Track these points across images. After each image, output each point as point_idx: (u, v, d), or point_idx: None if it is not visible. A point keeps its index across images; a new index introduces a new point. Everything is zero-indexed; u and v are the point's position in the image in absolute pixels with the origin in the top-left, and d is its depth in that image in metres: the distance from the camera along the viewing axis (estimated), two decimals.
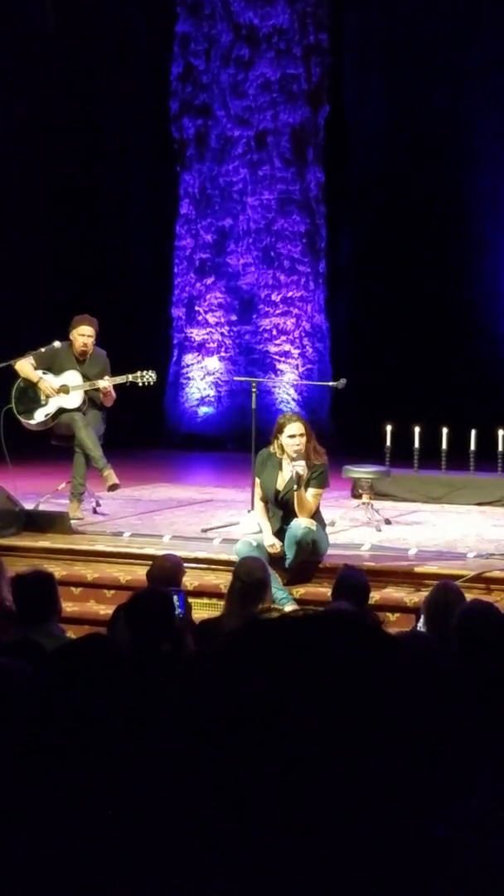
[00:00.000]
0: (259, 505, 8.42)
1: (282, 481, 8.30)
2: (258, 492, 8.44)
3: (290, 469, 8.19)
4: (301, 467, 8.06)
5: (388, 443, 11.07)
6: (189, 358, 16.07)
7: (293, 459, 8.15)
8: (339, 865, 1.23)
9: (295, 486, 8.12)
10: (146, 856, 1.42)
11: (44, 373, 10.38)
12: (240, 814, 1.23)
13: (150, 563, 7.31)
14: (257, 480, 8.44)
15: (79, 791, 1.80)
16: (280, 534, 8.25)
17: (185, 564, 7.50)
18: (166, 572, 6.84)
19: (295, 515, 8.21)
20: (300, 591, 8.07)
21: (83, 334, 10.36)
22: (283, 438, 8.18)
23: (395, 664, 1.29)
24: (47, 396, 10.34)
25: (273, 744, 1.26)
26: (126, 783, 1.77)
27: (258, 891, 1.22)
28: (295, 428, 8.17)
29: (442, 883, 1.33)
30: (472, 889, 1.39)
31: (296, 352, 15.69)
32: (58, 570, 8.08)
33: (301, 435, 8.15)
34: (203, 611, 7.55)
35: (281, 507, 8.29)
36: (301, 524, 8.09)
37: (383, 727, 1.25)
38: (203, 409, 15.97)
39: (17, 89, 15.91)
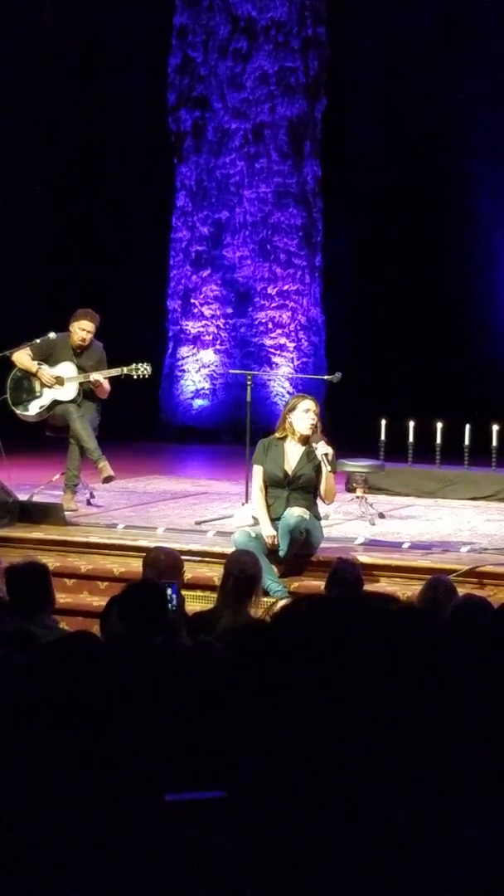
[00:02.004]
0: (258, 495, 8.41)
1: (289, 463, 8.34)
2: (258, 480, 8.43)
3: (301, 450, 8.27)
4: (323, 447, 8.16)
5: (383, 437, 11.08)
6: (184, 350, 16.06)
7: (305, 439, 8.23)
8: (344, 858, 1.24)
9: (327, 468, 8.20)
10: (141, 846, 1.43)
11: (39, 364, 10.39)
12: (239, 806, 1.24)
13: (144, 554, 7.29)
14: (258, 468, 8.43)
15: (71, 781, 1.80)
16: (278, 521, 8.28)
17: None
18: (167, 569, 6.80)
19: (305, 492, 8.25)
20: (294, 584, 8.08)
21: (83, 328, 10.37)
22: (297, 414, 8.28)
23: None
24: (46, 387, 10.34)
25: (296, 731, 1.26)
26: (118, 775, 1.77)
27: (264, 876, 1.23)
28: (310, 404, 8.36)
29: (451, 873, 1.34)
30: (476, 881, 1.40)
31: (291, 345, 15.69)
32: (51, 561, 8.08)
33: (315, 412, 8.30)
34: (196, 603, 7.55)
35: (288, 487, 8.30)
36: (294, 513, 8.10)
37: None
38: (198, 402, 15.97)
39: (15, 80, 15.88)
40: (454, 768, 1.40)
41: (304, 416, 8.29)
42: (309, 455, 8.30)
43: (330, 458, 8.20)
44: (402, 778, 1.30)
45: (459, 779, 1.41)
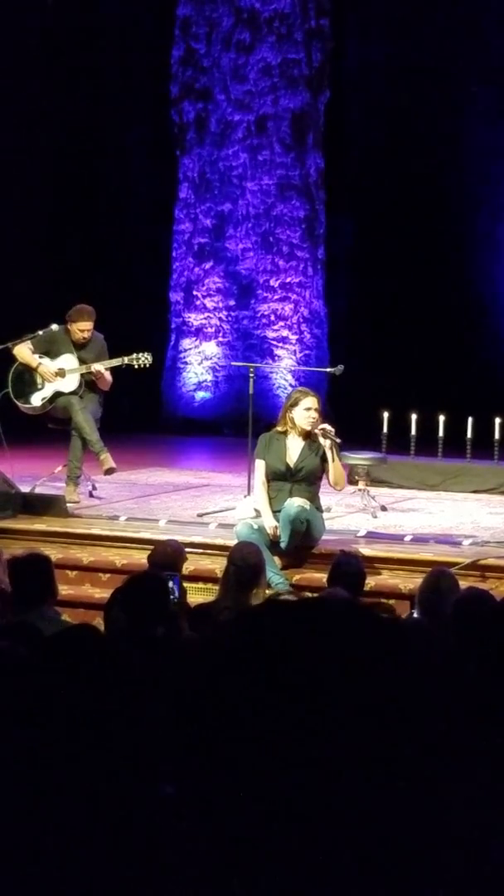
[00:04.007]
0: (260, 488, 8.43)
1: (291, 456, 8.37)
2: (260, 474, 8.46)
3: (302, 443, 8.30)
4: (328, 433, 8.19)
5: (385, 430, 11.09)
6: (187, 342, 16.05)
7: (306, 433, 8.26)
8: (334, 855, 1.23)
9: (330, 458, 8.26)
10: (140, 835, 1.43)
11: (41, 357, 10.39)
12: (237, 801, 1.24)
13: (146, 546, 7.32)
14: (260, 462, 8.45)
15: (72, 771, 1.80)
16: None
17: None
18: (168, 558, 6.84)
19: (308, 484, 8.27)
20: (296, 576, 8.09)
21: (82, 329, 10.37)
22: (298, 411, 8.33)
23: (399, 652, 1.29)
24: (46, 381, 10.35)
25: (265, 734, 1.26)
26: (118, 764, 1.77)
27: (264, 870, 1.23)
28: (312, 402, 8.40)
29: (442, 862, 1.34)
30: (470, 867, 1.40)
31: (294, 337, 15.68)
32: (54, 553, 8.09)
33: (317, 409, 8.35)
34: (198, 595, 7.57)
35: (291, 480, 8.33)
36: (295, 503, 8.12)
37: (390, 717, 1.26)
38: (200, 394, 15.96)
39: (18, 72, 15.86)
40: (443, 764, 1.40)
41: (304, 413, 8.33)
42: (311, 447, 8.34)
43: (332, 439, 8.25)
44: (394, 769, 1.30)
45: (448, 775, 1.41)
